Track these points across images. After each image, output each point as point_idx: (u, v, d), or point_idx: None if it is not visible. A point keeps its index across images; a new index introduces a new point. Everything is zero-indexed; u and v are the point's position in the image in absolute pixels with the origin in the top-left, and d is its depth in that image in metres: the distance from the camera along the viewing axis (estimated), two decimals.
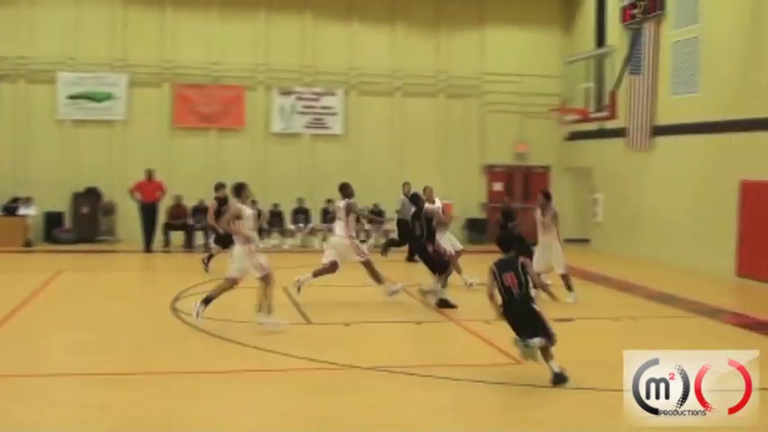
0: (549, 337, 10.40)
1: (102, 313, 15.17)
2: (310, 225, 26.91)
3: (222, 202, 19.87)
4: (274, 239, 26.65)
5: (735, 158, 20.47)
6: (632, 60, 23.63)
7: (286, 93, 27.88)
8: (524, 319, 10.48)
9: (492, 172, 29.58)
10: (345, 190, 16.55)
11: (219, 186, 20.58)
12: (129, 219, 25.62)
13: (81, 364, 11.28)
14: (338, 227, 16.42)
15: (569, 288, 16.71)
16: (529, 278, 10.54)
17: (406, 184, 24.26)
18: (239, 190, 13.92)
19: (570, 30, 29.36)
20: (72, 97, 26.82)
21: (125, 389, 10.07)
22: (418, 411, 9.38)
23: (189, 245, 25.45)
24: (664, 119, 23.58)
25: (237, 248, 13.63)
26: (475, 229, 28.77)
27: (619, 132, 25.30)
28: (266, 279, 13.54)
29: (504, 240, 11.03)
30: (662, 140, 23.73)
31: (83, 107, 26.89)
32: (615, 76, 22.23)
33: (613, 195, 26.14)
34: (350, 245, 16.20)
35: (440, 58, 28.97)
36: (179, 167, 26.67)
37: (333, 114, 28.25)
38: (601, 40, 26.15)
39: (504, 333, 12.92)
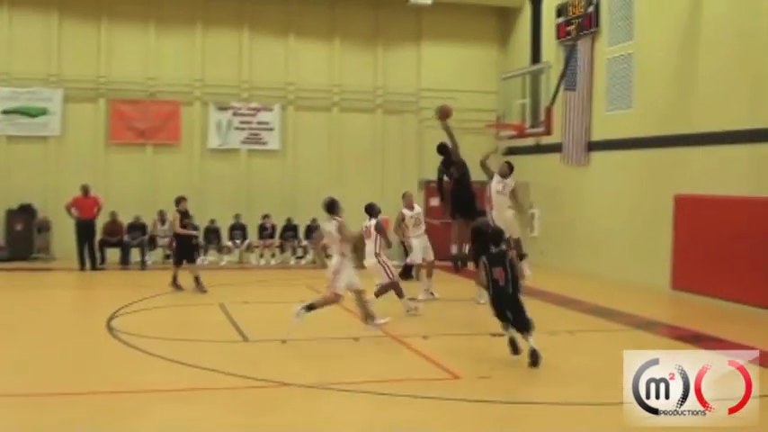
0: (527, 327, 12.09)
1: (33, 332, 14.88)
2: (247, 241, 26.71)
3: (184, 215, 19.89)
4: (211, 256, 26.42)
5: (669, 173, 20.73)
6: (567, 77, 23.86)
7: (223, 108, 27.66)
8: (509, 308, 12.20)
9: (430, 187, 29.60)
10: (333, 207, 15.42)
11: (181, 200, 20.48)
12: (64, 236, 25.19)
13: (5, 383, 11.01)
14: (368, 247, 16.58)
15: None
16: (516, 273, 12.24)
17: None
18: (333, 206, 15.07)
19: (506, 46, 29.59)
20: (6, 112, 26.34)
21: (50, 410, 9.83)
22: (357, 429, 9.31)
23: (125, 262, 25.10)
24: (599, 134, 23.84)
25: (342, 262, 14.62)
26: None
27: (554, 148, 25.52)
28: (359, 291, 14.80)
29: (494, 236, 12.56)
30: (597, 156, 23.99)
31: (17, 123, 26.41)
32: (551, 92, 22.39)
33: (549, 210, 26.33)
34: (380, 265, 16.28)
35: (377, 73, 29.00)
36: (115, 184, 26.30)
37: (269, 130, 28.08)
38: (536, 56, 26.37)
39: (443, 348, 12.92)
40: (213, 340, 14.06)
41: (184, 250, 20.14)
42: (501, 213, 18.18)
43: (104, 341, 13.89)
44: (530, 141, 26.48)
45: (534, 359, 11.82)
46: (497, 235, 12.65)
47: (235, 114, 27.76)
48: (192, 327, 15.19)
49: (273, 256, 26.58)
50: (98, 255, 24.64)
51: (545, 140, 25.46)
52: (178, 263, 20.18)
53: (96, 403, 10.21)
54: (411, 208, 18.77)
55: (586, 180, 24.38)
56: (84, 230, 24.17)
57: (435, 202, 29.23)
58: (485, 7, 29.30)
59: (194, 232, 21.89)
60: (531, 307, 17.94)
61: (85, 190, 24.48)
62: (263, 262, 26.36)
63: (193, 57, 27.46)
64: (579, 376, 11.84)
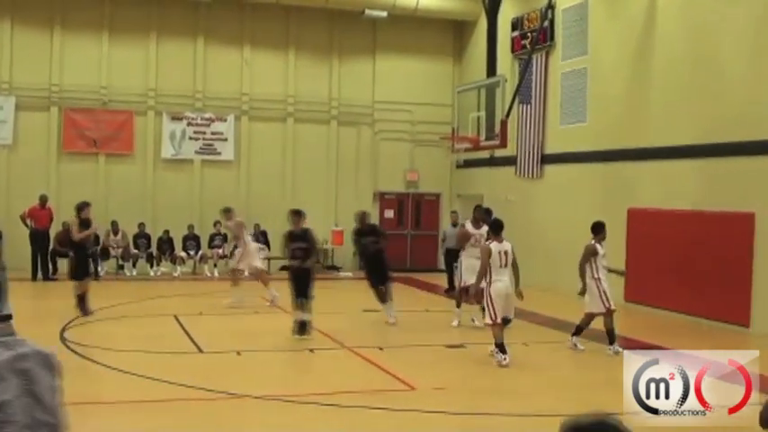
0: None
1: None
2: (201, 252, 26.54)
3: (83, 223, 18.49)
4: (165, 267, 26.23)
5: (622, 187, 20.95)
6: (522, 90, 24.04)
7: (176, 118, 27.48)
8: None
9: (384, 199, 29.69)
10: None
11: (84, 206, 18.99)
12: (15, 246, 24.84)
13: None
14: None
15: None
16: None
17: (453, 213, 24.22)
18: (599, 229, 14.78)
19: (462, 59, 29.76)
20: None
21: None
22: None
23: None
24: (553, 148, 24.03)
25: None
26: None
27: (509, 160, 25.67)
28: None
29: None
30: (551, 169, 24.17)
31: None
32: (506, 105, 22.52)
33: (504, 222, 26.38)
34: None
35: (332, 85, 28.99)
36: (67, 193, 25.85)
37: (223, 140, 27.93)
38: (492, 69, 26.52)
39: (399, 359, 12.93)
40: (168, 351, 13.97)
41: (80, 263, 18.25)
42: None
43: (57, 352, 13.70)
44: (484, 154, 26.59)
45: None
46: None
47: (189, 124, 27.59)
48: (147, 338, 15.05)
49: (227, 264, 26.36)
50: (50, 265, 24.35)
51: (499, 153, 25.59)
52: (78, 277, 18.08)
53: None
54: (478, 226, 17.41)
55: (541, 192, 24.55)
56: (40, 241, 23.89)
57: (390, 214, 29.35)
58: (440, 21, 29.45)
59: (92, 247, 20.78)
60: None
61: (43, 200, 24.24)
62: (216, 273, 26.22)
63: (147, 66, 27.25)
64: (534, 387, 11.91)
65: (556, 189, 23.85)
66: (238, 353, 13.88)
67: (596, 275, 14.49)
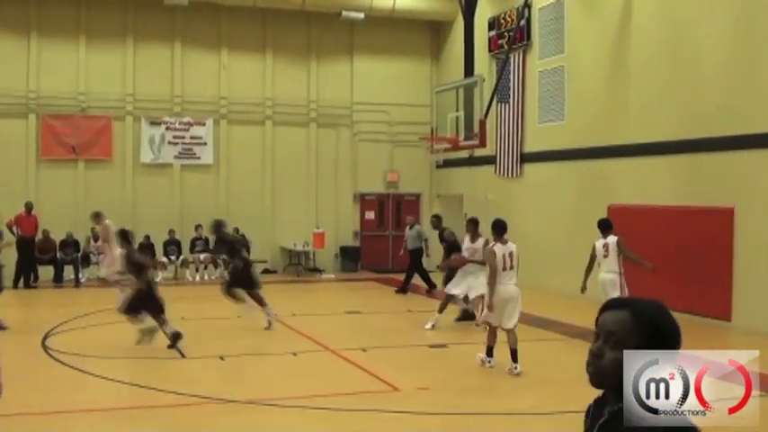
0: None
1: None
2: (182, 257, 26.46)
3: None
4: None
5: (601, 184, 21.03)
6: (500, 89, 24.11)
7: (155, 123, 27.39)
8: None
9: (364, 200, 29.70)
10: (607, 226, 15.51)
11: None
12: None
13: None
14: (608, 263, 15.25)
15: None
16: None
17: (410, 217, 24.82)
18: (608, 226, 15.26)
19: (439, 59, 29.81)
20: None
21: None
22: None
23: (58, 279, 24.65)
24: (532, 146, 24.10)
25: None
26: (348, 257, 28.86)
27: (488, 160, 25.73)
28: None
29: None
30: (530, 167, 24.24)
31: None
32: (484, 104, 22.57)
33: (484, 221, 26.44)
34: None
35: (310, 87, 28.96)
36: (47, 200, 25.78)
37: (202, 144, 27.87)
38: (470, 69, 26.54)
39: (382, 361, 12.96)
40: (151, 357, 13.93)
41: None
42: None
43: (40, 360, 13.68)
44: (463, 154, 26.64)
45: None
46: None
47: (167, 129, 27.50)
48: (129, 344, 14.99)
49: (206, 268, 26.35)
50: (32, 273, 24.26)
51: (479, 153, 25.63)
52: None
53: (32, 423, 10.05)
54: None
55: (520, 191, 24.61)
56: (26, 248, 23.79)
57: (371, 215, 29.38)
58: (417, 21, 29.49)
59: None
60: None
61: (29, 207, 24.14)
62: (198, 278, 26.16)
63: (125, 71, 27.14)
64: (517, 386, 11.94)
65: (535, 188, 23.92)
66: (222, 357, 13.87)
67: (621, 270, 15.07)
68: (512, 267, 12.99)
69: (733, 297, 17.01)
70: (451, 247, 19.30)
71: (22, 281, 23.75)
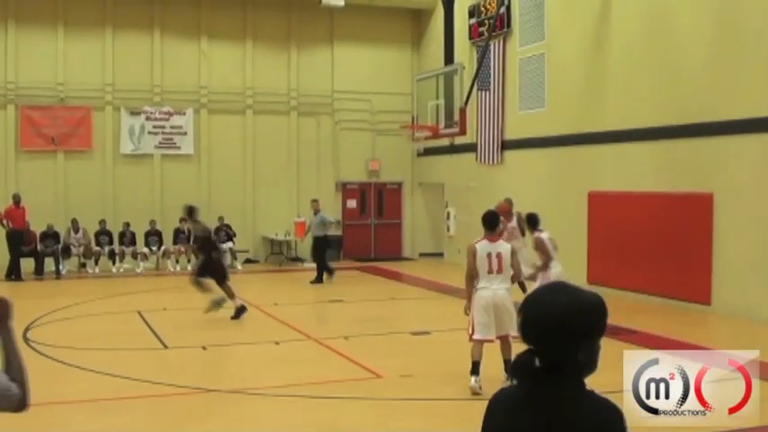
0: None
1: None
2: (164, 247, 26.38)
3: None
4: (127, 263, 26.05)
5: (582, 171, 21.09)
6: (481, 77, 24.13)
7: (135, 113, 27.26)
8: None
9: (346, 189, 29.69)
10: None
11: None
12: None
13: None
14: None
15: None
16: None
17: (314, 202, 24.07)
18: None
19: (420, 47, 29.80)
20: None
21: None
22: None
23: (39, 272, 24.49)
24: (512, 134, 24.14)
25: None
26: (330, 246, 28.82)
27: (469, 147, 25.77)
28: None
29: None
30: (511, 155, 24.29)
31: None
32: (464, 92, 22.60)
33: (465, 209, 26.57)
34: None
35: (291, 75, 28.87)
36: (26, 192, 25.47)
37: (183, 134, 27.77)
38: (450, 57, 26.54)
39: (364, 348, 13.00)
40: (133, 348, 13.92)
41: None
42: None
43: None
44: (444, 142, 26.69)
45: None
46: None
47: (147, 119, 27.38)
48: (111, 335, 14.99)
49: (189, 261, 26.26)
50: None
51: (459, 141, 25.68)
52: None
53: (15, 416, 10.01)
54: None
55: (501, 178, 24.65)
56: (18, 241, 23.68)
57: (353, 204, 29.38)
58: (397, 9, 29.46)
59: None
60: (449, 305, 18.27)
61: (17, 199, 24.01)
62: (179, 268, 26.08)
63: (104, 60, 26.96)
64: (500, 372, 11.97)
65: (516, 175, 23.96)
66: (204, 347, 13.87)
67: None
68: (500, 271, 10.98)
69: (713, 281, 17.12)
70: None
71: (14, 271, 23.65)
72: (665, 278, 18.09)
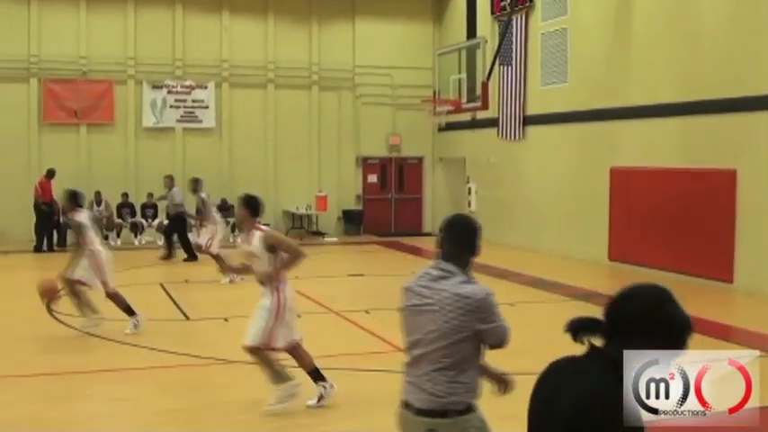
0: None
1: None
2: None
3: None
4: (149, 235, 26.17)
5: (604, 147, 21.01)
6: (502, 52, 24.01)
7: (157, 86, 27.32)
8: None
9: (367, 164, 29.68)
10: None
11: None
12: (17, 218, 24.98)
13: None
14: None
15: None
16: None
17: (167, 178, 23.65)
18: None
19: (442, 22, 29.67)
20: None
21: None
22: (305, 404, 9.37)
23: (62, 244, 24.59)
24: (534, 109, 24.04)
25: None
26: (350, 221, 28.89)
27: (491, 122, 25.69)
28: None
29: None
30: (533, 130, 24.20)
31: None
32: (486, 67, 22.54)
33: (487, 184, 26.54)
34: None
35: (312, 50, 28.82)
36: (49, 165, 25.62)
37: (204, 108, 27.83)
38: (472, 31, 26.47)
39: (385, 322, 13.00)
40: (155, 319, 13.98)
41: None
42: None
43: (45, 323, 13.73)
44: (466, 117, 26.62)
45: None
46: None
47: (169, 92, 27.46)
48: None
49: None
50: (34, 237, 24.32)
51: (481, 115, 25.62)
52: None
53: (38, 385, 10.13)
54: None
55: (523, 154, 24.60)
56: (46, 213, 23.96)
57: (373, 179, 29.38)
58: None
59: None
60: None
61: (51, 174, 24.29)
62: (201, 241, 26.08)
63: (126, 34, 27.01)
64: (521, 347, 11.97)
65: (538, 150, 23.90)
66: (226, 319, 13.93)
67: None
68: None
69: (735, 259, 17.05)
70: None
71: (45, 244, 23.89)
72: (687, 255, 18.02)
